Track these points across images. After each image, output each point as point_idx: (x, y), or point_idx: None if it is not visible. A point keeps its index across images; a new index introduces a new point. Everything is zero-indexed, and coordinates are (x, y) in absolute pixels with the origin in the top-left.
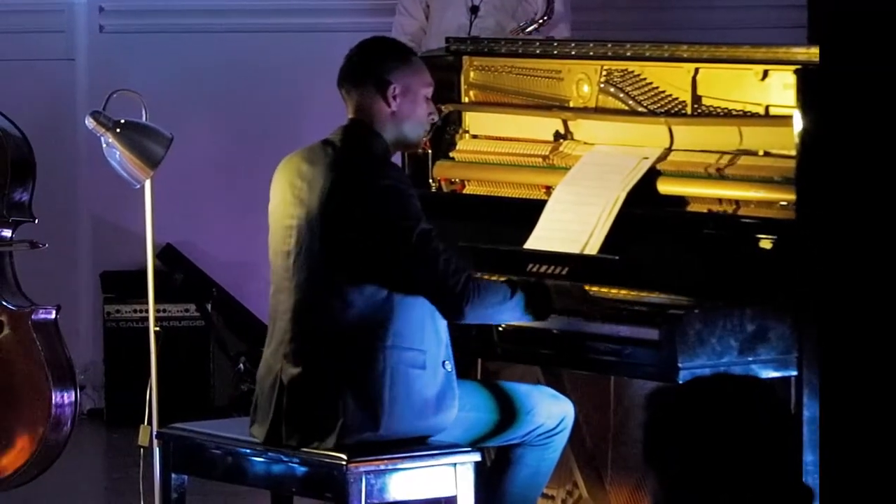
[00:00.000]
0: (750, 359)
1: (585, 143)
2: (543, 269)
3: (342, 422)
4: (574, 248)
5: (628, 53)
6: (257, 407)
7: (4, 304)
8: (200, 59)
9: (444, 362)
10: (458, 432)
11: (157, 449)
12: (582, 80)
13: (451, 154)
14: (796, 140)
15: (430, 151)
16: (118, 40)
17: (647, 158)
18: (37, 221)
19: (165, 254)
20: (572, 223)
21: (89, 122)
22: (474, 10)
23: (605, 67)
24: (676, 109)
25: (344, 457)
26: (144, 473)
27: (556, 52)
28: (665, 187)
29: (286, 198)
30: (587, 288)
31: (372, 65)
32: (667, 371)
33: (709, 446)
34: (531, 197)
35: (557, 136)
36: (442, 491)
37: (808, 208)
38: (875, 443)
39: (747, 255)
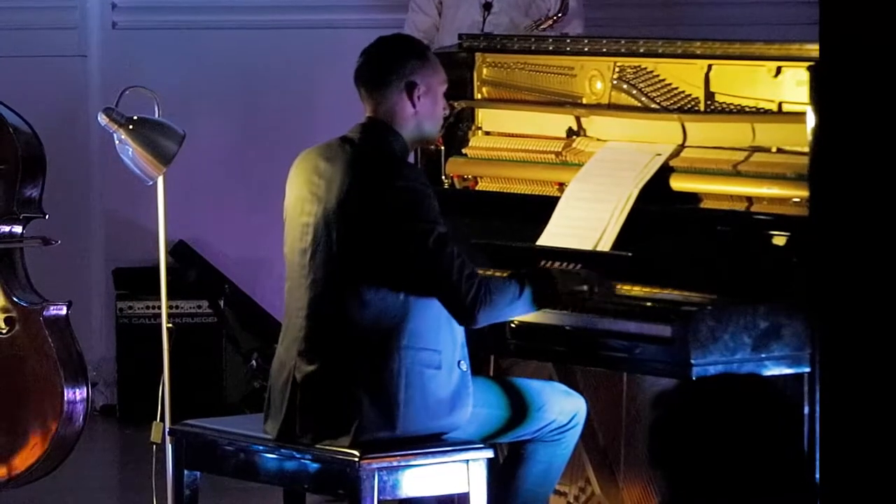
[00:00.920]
0: (763, 355)
1: (598, 139)
2: (556, 265)
3: (358, 423)
4: (587, 245)
5: (641, 50)
6: (270, 403)
7: (15, 300)
8: (213, 55)
9: (459, 362)
10: (470, 429)
11: (170, 445)
12: (595, 76)
13: (463, 151)
14: (809, 137)
15: (442, 148)
16: (131, 37)
17: (659, 155)
18: (47, 217)
19: (178, 250)
20: (585, 220)
21: (102, 119)
22: (487, 6)
23: (619, 64)
24: (689, 106)
25: (357, 453)
26: (157, 470)
27: (569, 48)
28: (678, 184)
29: (303, 194)
30: None
31: (396, 65)
32: (680, 368)
33: (716, 446)
34: (544, 193)
35: (570, 132)
36: (454, 488)
37: (821, 205)
38: (883, 441)
39: (760, 251)
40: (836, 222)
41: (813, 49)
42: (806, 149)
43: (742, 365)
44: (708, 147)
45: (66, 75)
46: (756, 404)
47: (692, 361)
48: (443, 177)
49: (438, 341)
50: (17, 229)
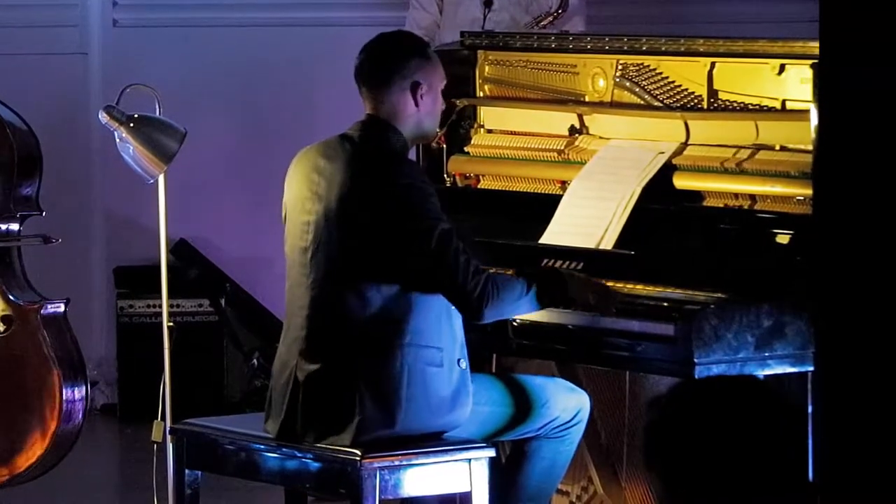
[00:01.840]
0: (766, 354)
1: (601, 137)
2: (558, 264)
3: (359, 420)
4: (589, 243)
5: (644, 48)
6: (271, 402)
7: (12, 298)
8: (214, 53)
9: (459, 360)
10: (473, 427)
11: (171, 445)
12: (597, 74)
13: (465, 149)
14: (813, 134)
15: (444, 146)
16: (132, 34)
17: (662, 153)
18: (44, 215)
19: (179, 249)
20: (588, 218)
21: (103, 117)
22: (488, 3)
23: (621, 62)
24: (692, 104)
25: (358, 452)
26: (158, 469)
27: (571, 46)
28: (681, 182)
29: (303, 193)
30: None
31: (398, 64)
32: (682, 366)
33: (719, 445)
34: (546, 192)
35: (573, 130)
36: (456, 487)
37: (825, 203)
38: (885, 441)
39: (764, 250)
40: (840, 220)
41: (816, 47)
42: (809, 147)
43: (745, 364)
44: (711, 145)
45: (67, 73)
46: (759, 403)
47: (695, 360)
48: (445, 175)
49: (440, 339)
50: (14, 227)
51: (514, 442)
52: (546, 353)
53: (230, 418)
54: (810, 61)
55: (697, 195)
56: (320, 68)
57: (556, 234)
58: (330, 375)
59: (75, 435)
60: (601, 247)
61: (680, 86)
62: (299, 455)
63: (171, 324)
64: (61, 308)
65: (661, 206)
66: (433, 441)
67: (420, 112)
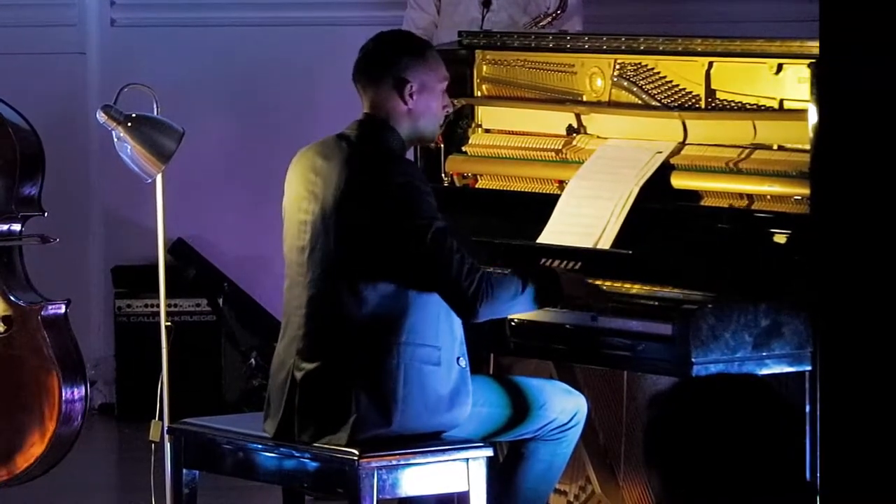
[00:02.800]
0: (764, 354)
1: (599, 137)
2: (556, 263)
3: (355, 418)
4: (587, 243)
5: (642, 47)
6: (270, 402)
7: (13, 299)
8: (212, 52)
9: (458, 358)
10: (470, 427)
11: (169, 444)
12: (595, 73)
13: (463, 148)
14: (811, 134)
15: (442, 146)
16: (130, 34)
17: (660, 153)
18: (46, 215)
19: (177, 248)
20: (585, 218)
21: (100, 116)
22: (486, 3)
23: (619, 61)
24: (690, 103)
25: (356, 452)
26: (156, 469)
27: (569, 45)
28: (679, 181)
29: (300, 193)
30: (599, 283)
31: (388, 61)
32: (680, 366)
33: (717, 444)
34: (544, 191)
35: (570, 130)
36: (454, 486)
37: (822, 203)
38: (884, 440)
39: (761, 249)
40: (838, 220)
41: (814, 46)
42: (807, 146)
43: (743, 363)
44: (709, 144)
45: (65, 72)
46: (757, 403)
47: (693, 360)
48: (442, 174)
49: (437, 337)
50: (16, 227)
51: (511, 443)
52: (544, 353)
53: (228, 418)
54: (808, 61)
55: (695, 195)
56: (319, 68)
57: (554, 233)
58: (326, 374)
59: (74, 435)
60: (599, 246)
61: (678, 85)
62: (297, 454)
63: (168, 323)
64: (62, 309)
65: (658, 205)
66: (431, 440)
67: (412, 112)
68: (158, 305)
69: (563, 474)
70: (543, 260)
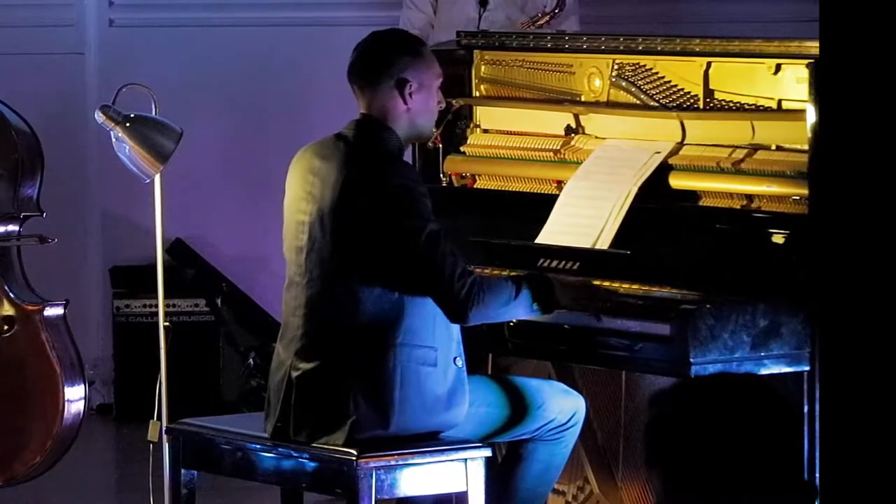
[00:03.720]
0: (762, 354)
1: (597, 137)
2: (554, 263)
3: (352, 419)
4: (586, 243)
5: (640, 47)
6: (269, 402)
7: (13, 299)
8: (210, 52)
9: (454, 359)
10: (469, 427)
11: (167, 444)
12: (593, 74)
13: (461, 148)
14: (809, 134)
15: (440, 146)
16: (128, 34)
17: (658, 153)
18: (45, 215)
19: (175, 248)
20: (584, 218)
21: (99, 117)
22: (483, 3)
23: (617, 61)
24: (688, 104)
25: (354, 452)
26: (154, 469)
27: (567, 46)
28: (677, 182)
29: (298, 193)
30: (598, 283)
31: (387, 61)
32: (678, 366)
33: (715, 445)
34: (542, 191)
35: (569, 130)
36: (452, 487)
37: (820, 203)
38: (883, 440)
39: (760, 249)
40: (836, 220)
41: (812, 46)
42: (805, 146)
43: (741, 363)
44: (707, 145)
45: (64, 72)
46: (755, 403)
47: (691, 360)
48: (441, 175)
49: (434, 338)
50: (15, 228)
51: (509, 444)
52: (542, 353)
53: (226, 418)
54: (806, 61)
55: (693, 195)
56: (316, 68)
57: (553, 233)
58: (323, 375)
59: (73, 435)
60: (597, 246)
61: (676, 85)
62: (295, 455)
63: (167, 323)
64: (61, 310)
65: (657, 205)
66: (429, 441)
67: (411, 110)
68: (157, 306)
69: (561, 474)
70: (542, 260)
